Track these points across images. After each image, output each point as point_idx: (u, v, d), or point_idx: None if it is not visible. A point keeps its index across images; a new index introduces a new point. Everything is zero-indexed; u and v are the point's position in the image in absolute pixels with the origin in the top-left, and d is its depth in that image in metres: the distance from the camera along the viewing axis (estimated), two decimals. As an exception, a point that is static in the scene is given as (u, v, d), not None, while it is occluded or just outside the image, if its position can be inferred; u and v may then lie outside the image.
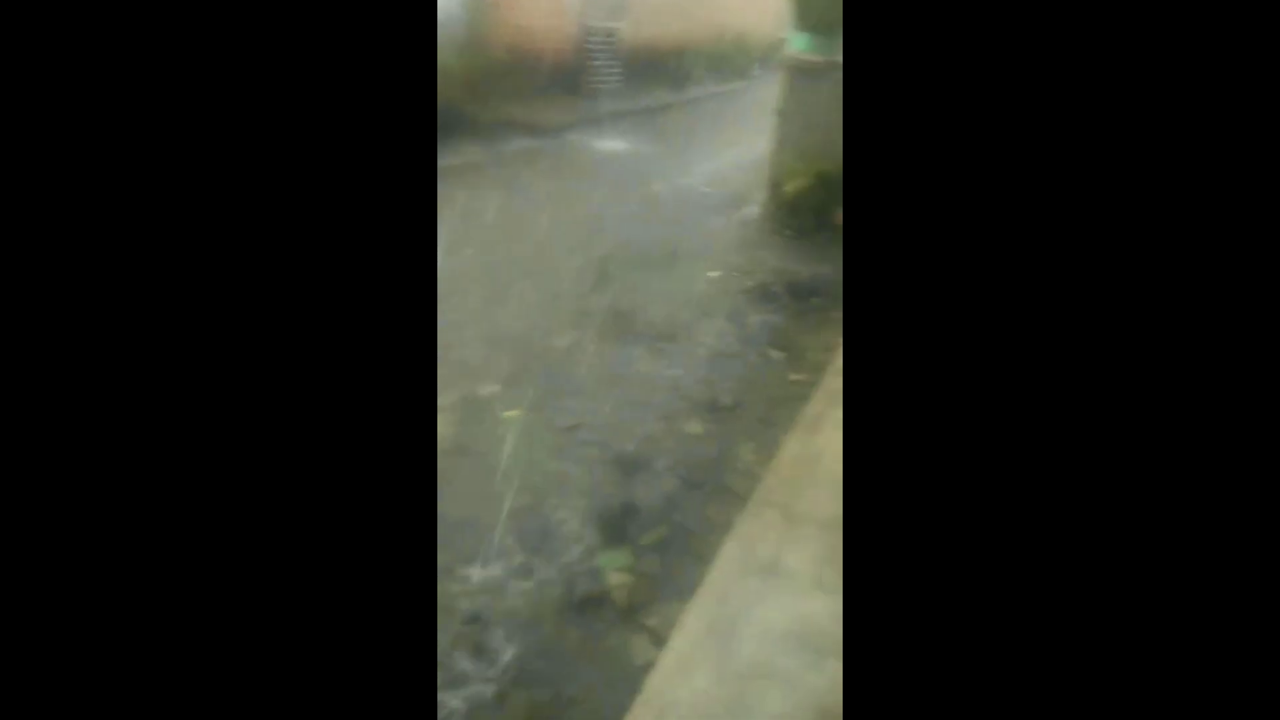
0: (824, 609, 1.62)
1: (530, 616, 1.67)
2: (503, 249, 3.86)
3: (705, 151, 6.60)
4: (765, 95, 6.67)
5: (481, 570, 1.78)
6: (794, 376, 2.84)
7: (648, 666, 1.48)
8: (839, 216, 4.30)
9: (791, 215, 4.49)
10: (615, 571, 1.86)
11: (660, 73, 8.91)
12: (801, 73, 4.44)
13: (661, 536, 1.99)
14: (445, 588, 1.71)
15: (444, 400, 2.45)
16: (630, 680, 1.48)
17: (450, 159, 5.38)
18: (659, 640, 1.61)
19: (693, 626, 1.52)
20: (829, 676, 1.48)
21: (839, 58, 4.21)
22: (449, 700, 1.47)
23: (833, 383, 2.59)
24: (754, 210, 4.88)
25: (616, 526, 2.00)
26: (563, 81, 7.51)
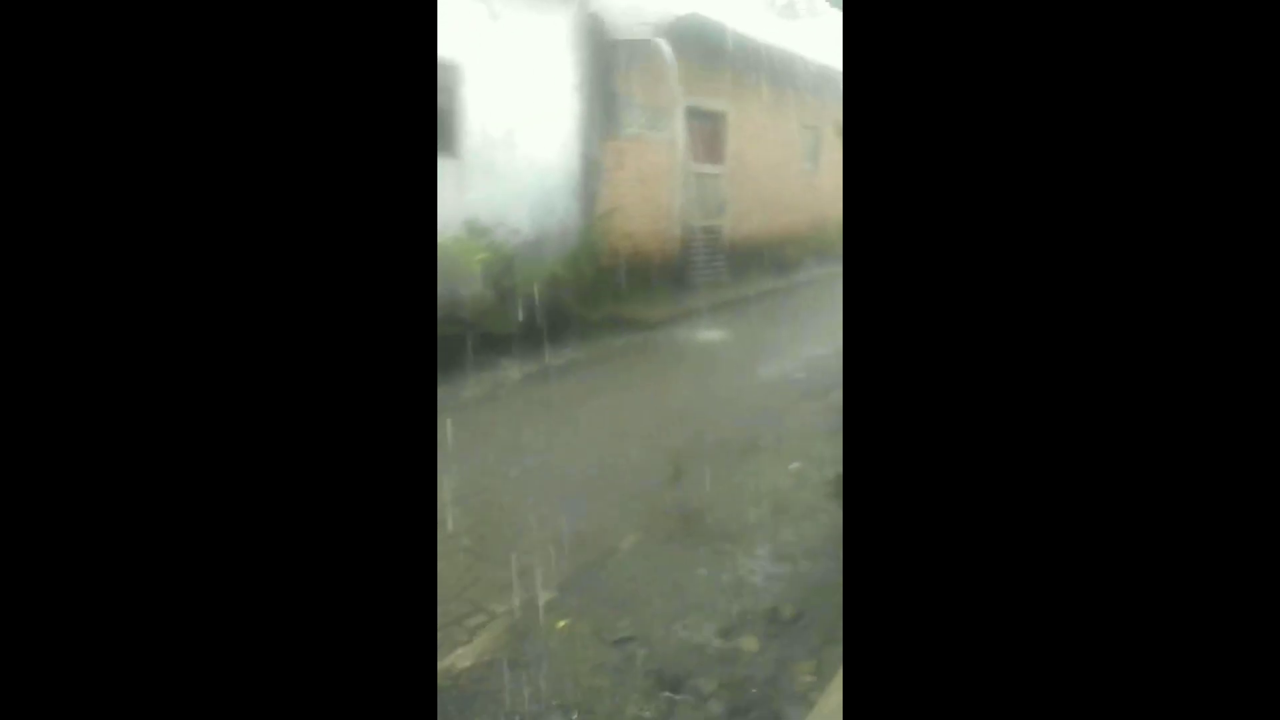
0: None
1: None
2: (586, 446, 4.00)
3: (803, 335, 6.70)
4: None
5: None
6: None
7: None
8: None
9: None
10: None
11: (763, 261, 9.33)
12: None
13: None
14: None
15: (500, 607, 2.48)
16: None
17: (553, 360, 5.78)
18: None
19: None
20: None
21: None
22: None
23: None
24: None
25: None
26: (668, 278, 8.02)
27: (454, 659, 2.21)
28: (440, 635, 2.29)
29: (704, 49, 7.83)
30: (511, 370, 5.23)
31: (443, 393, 4.47)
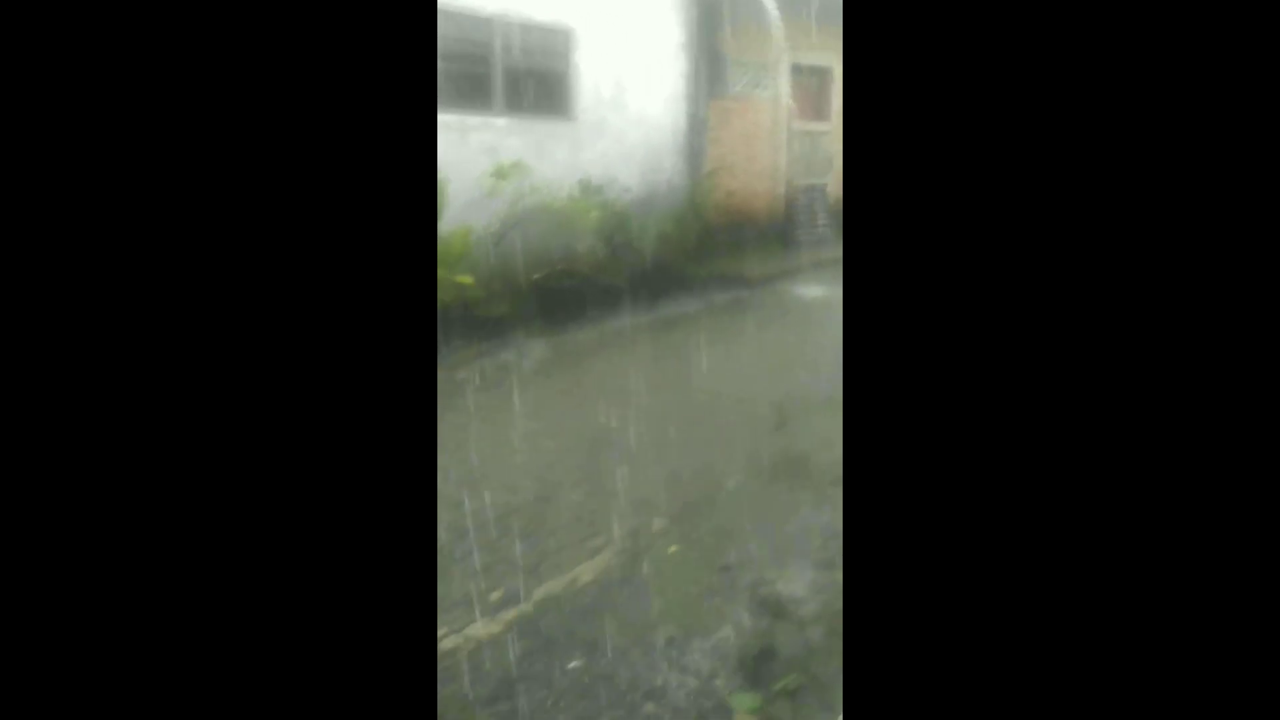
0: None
1: (655, 741, 1.81)
2: (692, 392, 4.20)
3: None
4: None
5: (625, 687, 1.97)
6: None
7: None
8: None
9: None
10: (744, 714, 1.93)
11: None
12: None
13: (796, 684, 2.04)
14: (594, 692, 1.92)
15: (619, 530, 2.74)
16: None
17: (661, 312, 5.98)
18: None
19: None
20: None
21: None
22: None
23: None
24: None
25: (753, 669, 2.09)
26: (772, 235, 8.03)
27: (577, 573, 2.48)
28: (562, 555, 2.57)
29: (809, 5, 7.67)
30: (622, 321, 5.47)
31: (559, 341, 4.76)
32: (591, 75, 6.02)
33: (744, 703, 1.97)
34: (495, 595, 2.34)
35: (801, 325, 5.77)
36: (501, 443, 3.49)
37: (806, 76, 8.26)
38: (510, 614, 2.26)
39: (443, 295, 4.32)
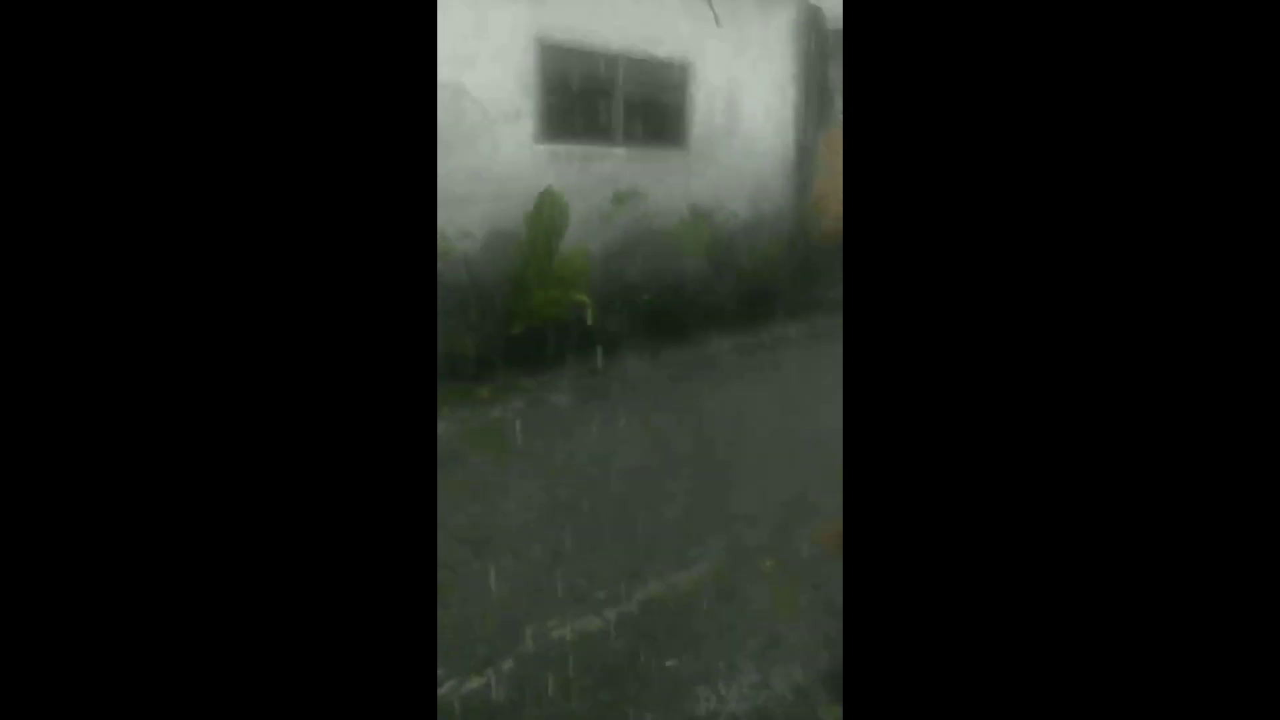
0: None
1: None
2: (794, 413, 4.32)
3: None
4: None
5: (721, 690, 2.14)
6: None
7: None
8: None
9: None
10: (834, 722, 2.07)
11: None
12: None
13: (882, 697, 2.15)
14: (693, 692, 2.11)
15: (715, 544, 2.92)
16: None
17: (768, 334, 6.11)
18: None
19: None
20: None
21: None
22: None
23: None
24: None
25: (838, 684, 2.22)
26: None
27: (675, 580, 2.68)
28: (662, 561, 2.77)
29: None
30: (726, 342, 5.64)
31: (663, 358, 4.98)
32: (705, 106, 6.27)
33: (833, 713, 2.11)
34: (601, 594, 2.57)
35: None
36: (599, 455, 3.73)
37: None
38: (614, 612, 2.48)
39: (559, 312, 4.64)
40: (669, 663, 2.24)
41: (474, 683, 2.13)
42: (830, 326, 6.50)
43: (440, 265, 4.47)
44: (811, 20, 7.10)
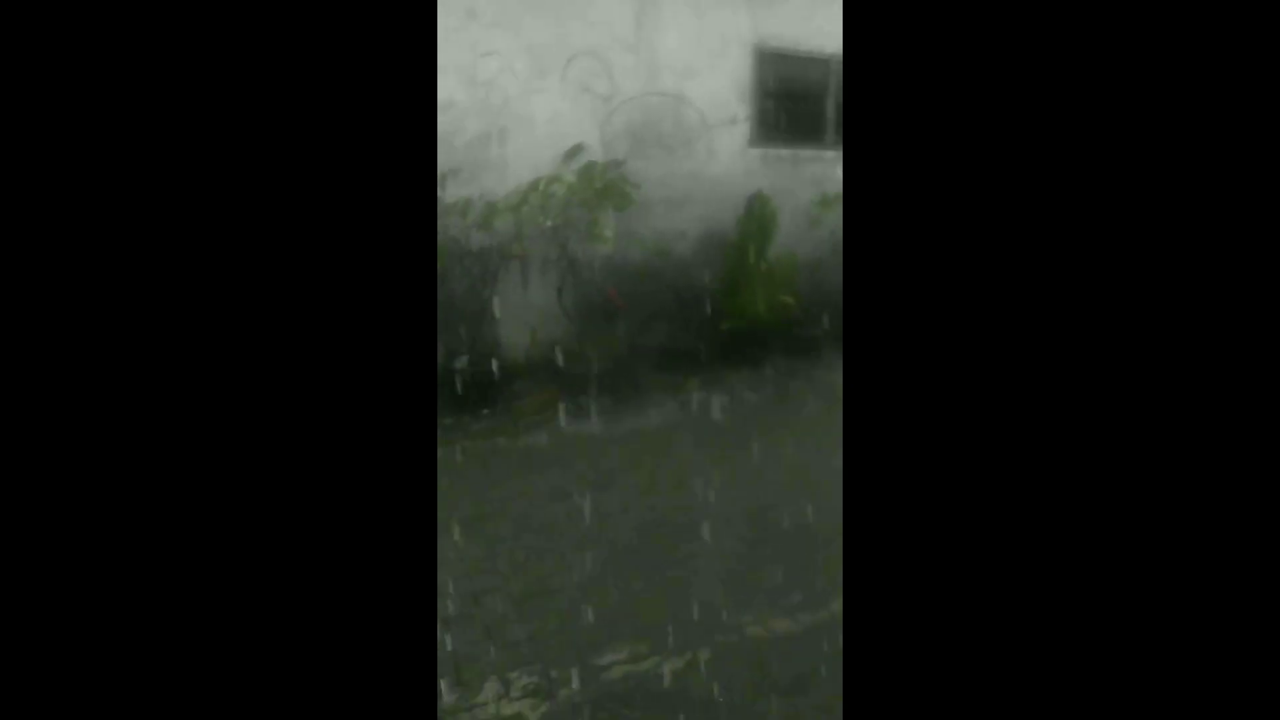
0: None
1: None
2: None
3: None
4: None
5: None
6: None
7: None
8: None
9: None
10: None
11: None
12: None
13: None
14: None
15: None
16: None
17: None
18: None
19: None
20: None
21: None
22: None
23: None
24: None
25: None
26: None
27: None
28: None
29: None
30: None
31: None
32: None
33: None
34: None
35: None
36: (782, 454, 3.82)
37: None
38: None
39: (768, 314, 4.82)
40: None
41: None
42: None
43: (658, 264, 4.82)
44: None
